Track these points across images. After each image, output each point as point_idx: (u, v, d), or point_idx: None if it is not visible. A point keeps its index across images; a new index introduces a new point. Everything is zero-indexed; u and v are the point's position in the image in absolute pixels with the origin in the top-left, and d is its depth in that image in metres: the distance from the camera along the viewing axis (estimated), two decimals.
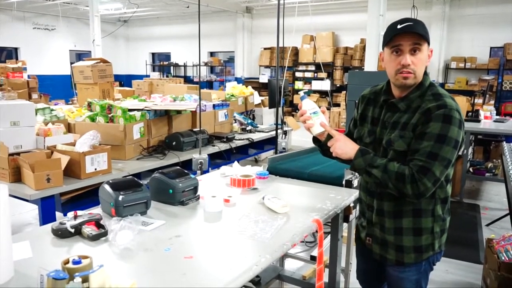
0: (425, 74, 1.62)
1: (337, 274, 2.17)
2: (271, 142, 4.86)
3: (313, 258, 2.41)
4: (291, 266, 3.13)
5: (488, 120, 5.67)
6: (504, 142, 4.13)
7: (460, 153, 5.35)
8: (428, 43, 1.55)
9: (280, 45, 4.13)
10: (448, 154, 1.48)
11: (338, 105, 11.23)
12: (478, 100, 7.66)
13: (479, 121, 5.59)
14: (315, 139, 1.80)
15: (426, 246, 1.64)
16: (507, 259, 2.66)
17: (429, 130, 1.49)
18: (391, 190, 1.54)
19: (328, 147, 1.68)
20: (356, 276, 2.00)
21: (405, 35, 1.50)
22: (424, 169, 1.47)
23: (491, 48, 10.49)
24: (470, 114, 6.20)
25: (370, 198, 1.74)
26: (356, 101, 1.87)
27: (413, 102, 1.58)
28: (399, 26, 1.51)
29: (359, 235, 1.88)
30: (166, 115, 3.98)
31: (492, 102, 9.48)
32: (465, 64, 10.53)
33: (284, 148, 4.25)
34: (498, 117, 6.09)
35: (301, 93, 1.77)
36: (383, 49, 1.62)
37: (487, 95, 6.98)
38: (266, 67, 13.40)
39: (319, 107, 1.72)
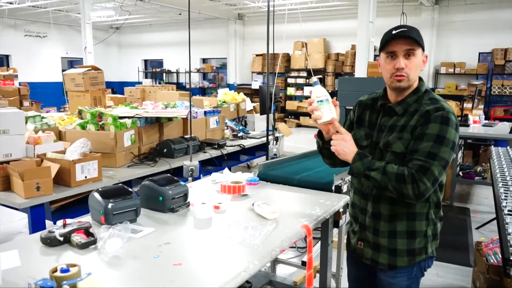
0: (421, 80, 1.66)
1: (327, 279, 2.17)
2: (263, 148, 4.88)
3: (304, 264, 2.43)
4: (283, 271, 3.14)
5: (477, 124, 5.74)
6: (492, 146, 4.18)
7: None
8: (423, 49, 1.59)
9: (271, 51, 4.17)
10: (446, 154, 1.51)
11: None
12: (468, 105, 7.75)
13: (468, 125, 5.67)
14: (320, 133, 1.75)
15: (419, 249, 1.66)
16: (495, 261, 2.69)
17: (428, 131, 1.53)
18: (390, 192, 1.54)
19: (329, 146, 1.65)
20: (348, 285, 1.98)
21: (399, 40, 1.55)
22: (424, 168, 1.49)
23: (479, 53, 10.65)
24: (459, 118, 6.27)
25: (364, 201, 1.74)
26: (352, 106, 1.86)
27: (410, 106, 1.62)
28: (394, 32, 1.56)
29: (350, 242, 1.87)
30: (157, 122, 3.98)
31: (481, 106, 9.60)
32: (455, 69, 10.67)
33: (275, 154, 4.27)
34: (487, 121, 6.17)
35: (314, 79, 1.64)
36: (379, 54, 1.66)
37: (476, 100, 7.05)
38: (259, 73, 13.46)
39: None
